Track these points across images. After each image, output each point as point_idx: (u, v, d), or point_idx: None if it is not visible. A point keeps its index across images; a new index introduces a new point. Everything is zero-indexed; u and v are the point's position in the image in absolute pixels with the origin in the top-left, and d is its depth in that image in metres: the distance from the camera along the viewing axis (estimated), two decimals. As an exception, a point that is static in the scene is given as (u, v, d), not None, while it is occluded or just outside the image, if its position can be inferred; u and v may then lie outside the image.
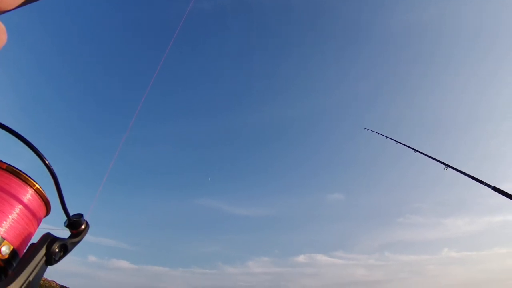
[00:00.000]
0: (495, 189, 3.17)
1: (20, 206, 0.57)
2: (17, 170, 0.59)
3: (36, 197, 0.60)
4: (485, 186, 3.30)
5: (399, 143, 5.55)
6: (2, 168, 0.58)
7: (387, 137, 6.08)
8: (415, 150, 4.92)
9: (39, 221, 0.62)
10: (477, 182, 3.41)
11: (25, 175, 0.59)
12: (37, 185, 0.61)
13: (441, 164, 4.11)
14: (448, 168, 3.96)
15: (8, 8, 0.39)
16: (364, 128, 7.19)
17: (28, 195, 0.59)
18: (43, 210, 0.63)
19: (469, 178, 3.55)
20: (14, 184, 0.57)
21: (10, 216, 0.55)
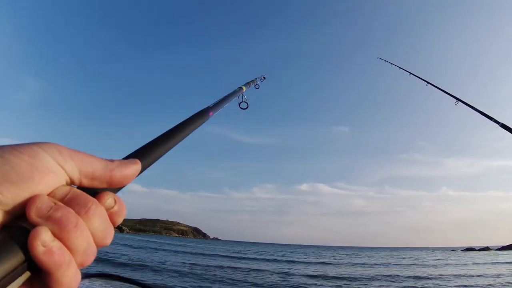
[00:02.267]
0: (504, 126, 3.06)
1: None
2: None
3: None
4: (494, 123, 3.20)
5: (411, 74, 5.29)
6: None
7: (399, 67, 5.78)
8: (427, 82, 4.70)
9: None
10: (485, 119, 3.30)
11: None
12: None
13: (452, 98, 3.95)
14: (459, 102, 3.81)
15: (129, 183, 0.45)
16: (377, 58, 6.83)
17: None
18: None
19: (478, 114, 3.43)
20: None
21: None
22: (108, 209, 0.41)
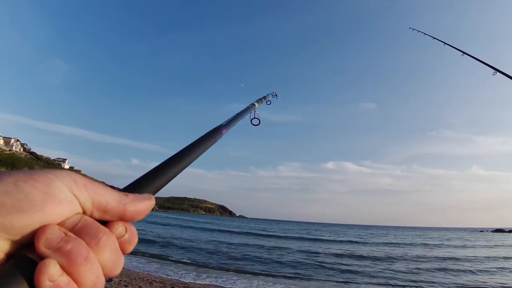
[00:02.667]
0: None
1: None
2: None
3: None
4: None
5: (446, 45, 4.93)
6: None
7: (434, 37, 5.40)
8: (464, 52, 4.35)
9: None
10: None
11: None
12: None
13: (490, 69, 3.63)
14: (497, 73, 3.50)
15: (141, 219, 0.43)
16: (410, 28, 6.42)
17: None
18: None
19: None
20: None
21: None
22: (118, 238, 0.39)
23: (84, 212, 0.38)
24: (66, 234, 0.35)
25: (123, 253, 0.40)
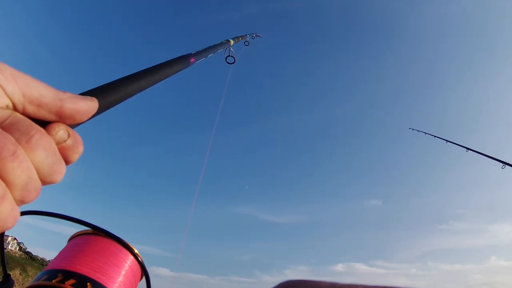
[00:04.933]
0: None
1: (124, 272, 0.63)
2: (119, 238, 0.65)
3: (135, 262, 0.66)
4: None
5: (449, 142, 5.14)
6: (110, 237, 0.64)
7: (435, 136, 5.65)
8: (468, 148, 4.51)
9: (136, 285, 0.67)
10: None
11: (126, 242, 0.65)
12: (136, 250, 0.66)
13: (498, 162, 3.70)
14: (507, 166, 3.56)
15: (84, 120, 0.40)
16: (409, 128, 6.77)
17: (129, 261, 0.64)
18: (139, 273, 0.68)
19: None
20: (118, 250, 0.63)
21: (118, 280, 0.60)
22: (59, 143, 0.35)
23: (15, 108, 0.33)
24: None
25: (67, 162, 0.36)
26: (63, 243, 0.68)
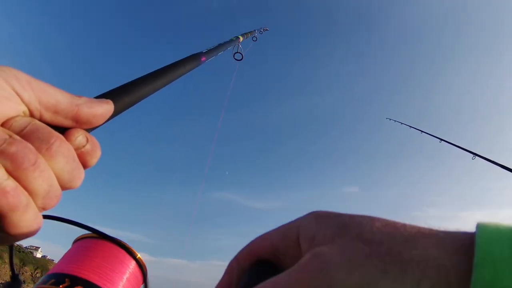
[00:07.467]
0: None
1: (128, 278, 0.63)
2: (123, 243, 0.65)
3: (138, 269, 0.66)
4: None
5: (423, 133, 5.33)
6: (114, 242, 0.64)
7: (410, 126, 5.84)
8: (441, 139, 4.71)
9: None
10: (505, 171, 3.23)
11: (131, 248, 0.65)
12: (139, 255, 0.67)
13: (469, 153, 3.91)
14: (476, 157, 3.77)
15: (100, 124, 0.39)
16: (386, 118, 6.94)
17: (133, 267, 0.65)
18: (141, 280, 0.68)
19: (497, 167, 3.37)
20: (122, 256, 0.64)
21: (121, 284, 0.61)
22: (78, 148, 0.35)
23: (32, 114, 0.33)
24: (10, 136, 0.30)
25: (85, 166, 0.37)
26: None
